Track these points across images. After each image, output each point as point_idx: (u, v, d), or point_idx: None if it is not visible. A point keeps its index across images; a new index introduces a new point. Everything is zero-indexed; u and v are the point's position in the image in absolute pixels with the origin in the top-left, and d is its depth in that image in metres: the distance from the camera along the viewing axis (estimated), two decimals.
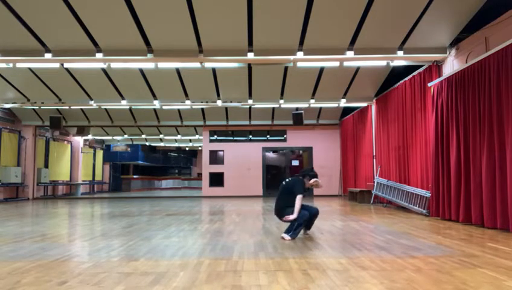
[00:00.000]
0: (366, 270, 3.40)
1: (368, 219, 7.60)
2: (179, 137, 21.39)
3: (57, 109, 14.43)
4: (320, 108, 14.96)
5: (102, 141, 23.14)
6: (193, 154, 36.46)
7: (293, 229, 5.14)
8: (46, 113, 14.71)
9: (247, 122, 16.07)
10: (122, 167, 27.19)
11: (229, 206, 11.09)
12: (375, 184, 11.27)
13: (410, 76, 9.38)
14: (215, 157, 17.22)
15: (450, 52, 8.01)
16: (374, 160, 12.06)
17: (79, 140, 20.05)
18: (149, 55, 8.53)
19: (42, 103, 12.85)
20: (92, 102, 12.65)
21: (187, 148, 28.93)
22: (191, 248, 4.55)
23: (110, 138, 21.41)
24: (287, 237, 5.10)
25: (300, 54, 8.36)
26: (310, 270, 3.44)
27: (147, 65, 9.47)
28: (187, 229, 6.20)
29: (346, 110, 14.97)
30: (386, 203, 10.89)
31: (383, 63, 8.96)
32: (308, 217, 5.32)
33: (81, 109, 14.79)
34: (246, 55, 8.45)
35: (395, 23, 7.66)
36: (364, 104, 12.80)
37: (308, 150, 16.73)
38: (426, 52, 8.21)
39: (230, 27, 7.91)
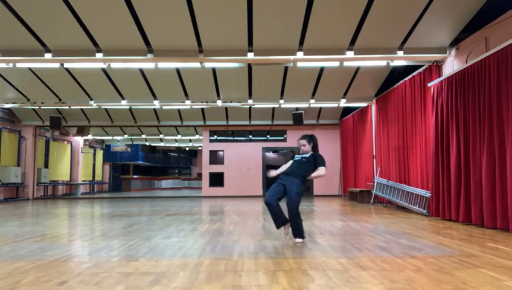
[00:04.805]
0: (366, 270, 3.39)
1: (368, 219, 7.60)
2: (179, 137, 21.39)
3: (57, 109, 14.43)
4: (320, 108, 14.96)
5: (102, 141, 23.13)
6: (193, 154, 36.45)
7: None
8: (46, 113, 14.71)
9: (247, 122, 16.06)
10: (122, 167, 27.19)
11: (229, 206, 11.09)
12: (375, 184, 11.27)
13: (410, 76, 9.38)
14: (215, 157, 17.22)
15: (450, 52, 8.01)
16: (374, 160, 12.06)
17: (79, 140, 20.05)
18: (149, 55, 8.53)
19: (42, 103, 12.85)
20: (92, 102, 12.65)
21: (187, 148, 28.93)
22: (191, 248, 4.55)
23: (110, 138, 21.40)
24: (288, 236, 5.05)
25: (300, 54, 8.36)
26: (310, 270, 3.44)
27: (147, 65, 9.47)
28: (187, 229, 6.20)
29: (346, 110, 14.97)
30: (386, 203, 10.89)
31: (383, 63, 8.96)
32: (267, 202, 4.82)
33: (81, 109, 14.79)
34: (246, 55, 8.45)
35: (395, 23, 7.66)
36: (364, 104, 12.80)
37: None
38: (426, 52, 8.21)
39: (230, 27, 7.91)
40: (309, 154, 5.09)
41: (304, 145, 5.15)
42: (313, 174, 4.95)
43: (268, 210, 4.85)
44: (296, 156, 5.23)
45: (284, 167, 5.27)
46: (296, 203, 4.77)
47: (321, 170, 4.93)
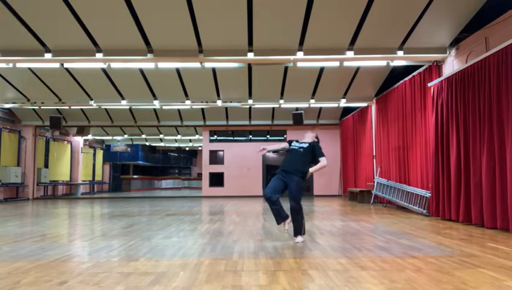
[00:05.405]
0: (366, 270, 3.39)
1: (368, 219, 7.60)
2: (179, 137, 21.39)
3: (57, 109, 14.43)
4: (320, 108, 14.96)
5: (102, 141, 23.13)
6: (193, 154, 36.45)
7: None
8: (46, 113, 14.71)
9: (247, 122, 16.06)
10: (122, 167, 27.19)
11: (229, 206, 11.09)
12: (375, 184, 11.27)
13: (410, 76, 9.38)
14: (215, 157, 17.22)
15: (450, 52, 8.01)
16: (374, 160, 12.06)
17: (79, 140, 20.05)
18: (149, 55, 8.53)
19: (42, 103, 12.85)
20: (92, 102, 12.65)
21: (187, 148, 28.93)
22: (191, 248, 4.55)
23: (110, 138, 21.40)
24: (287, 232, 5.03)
25: (300, 54, 8.36)
26: (310, 270, 3.44)
27: (147, 65, 9.47)
28: (187, 229, 6.20)
29: (346, 110, 14.97)
30: (386, 203, 10.89)
31: (383, 63, 8.96)
32: (267, 198, 4.79)
33: (81, 109, 14.79)
34: (246, 55, 8.44)
35: (395, 23, 7.65)
36: (364, 104, 12.80)
37: None
38: (426, 52, 8.21)
39: (230, 27, 7.91)
40: (307, 145, 5.02)
41: (312, 133, 5.21)
42: (315, 167, 4.89)
43: (269, 205, 4.84)
44: (294, 143, 5.13)
45: (277, 146, 5.32)
46: (297, 200, 4.79)
47: (323, 161, 4.89)
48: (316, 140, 5.17)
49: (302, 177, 4.85)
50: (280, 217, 4.85)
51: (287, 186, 4.82)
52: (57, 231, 6.21)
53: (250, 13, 7.51)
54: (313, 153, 4.95)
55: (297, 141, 5.17)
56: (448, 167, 7.34)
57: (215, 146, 17.29)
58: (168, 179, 30.45)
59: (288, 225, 4.87)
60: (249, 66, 10.49)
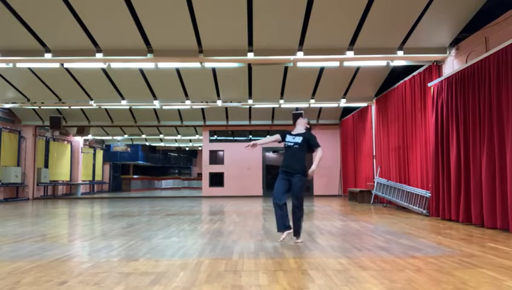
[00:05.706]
0: (366, 270, 3.39)
1: (368, 219, 7.60)
2: (179, 137, 21.39)
3: (57, 109, 14.43)
4: (320, 108, 14.96)
5: (102, 141, 23.13)
6: (193, 154, 36.45)
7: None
8: (46, 113, 14.71)
9: (247, 122, 16.06)
10: (122, 167, 27.20)
11: (229, 206, 11.09)
12: (375, 184, 11.27)
13: (410, 76, 9.38)
14: (215, 157, 17.22)
15: (450, 52, 8.01)
16: (374, 160, 12.06)
17: (79, 140, 20.05)
18: (149, 55, 8.53)
19: (42, 103, 12.85)
20: (92, 102, 12.65)
21: (187, 148, 28.93)
22: (191, 248, 4.55)
23: (110, 138, 21.40)
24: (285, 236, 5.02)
25: (300, 54, 8.36)
26: (310, 270, 3.44)
27: (147, 65, 9.47)
28: (187, 229, 6.20)
29: (346, 110, 14.97)
30: (386, 203, 10.89)
31: (383, 63, 8.96)
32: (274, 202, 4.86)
33: (81, 109, 14.79)
34: (246, 55, 8.45)
35: (395, 23, 7.66)
36: (364, 104, 12.80)
37: None
38: (426, 52, 8.21)
39: (230, 27, 7.91)
40: (301, 139, 4.95)
41: (303, 120, 5.17)
42: (315, 163, 4.86)
43: (275, 209, 4.85)
44: (288, 137, 5.03)
45: (267, 139, 5.33)
46: (300, 199, 4.86)
47: (319, 152, 4.90)
48: (308, 126, 5.16)
49: (303, 174, 4.88)
50: (283, 226, 4.84)
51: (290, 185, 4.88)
52: (57, 231, 6.21)
53: (250, 13, 7.51)
54: (308, 144, 4.95)
55: (290, 134, 5.07)
56: (448, 167, 7.34)
57: (215, 146, 17.29)
58: (168, 179, 30.47)
59: (287, 235, 4.86)
60: (249, 66, 10.48)
